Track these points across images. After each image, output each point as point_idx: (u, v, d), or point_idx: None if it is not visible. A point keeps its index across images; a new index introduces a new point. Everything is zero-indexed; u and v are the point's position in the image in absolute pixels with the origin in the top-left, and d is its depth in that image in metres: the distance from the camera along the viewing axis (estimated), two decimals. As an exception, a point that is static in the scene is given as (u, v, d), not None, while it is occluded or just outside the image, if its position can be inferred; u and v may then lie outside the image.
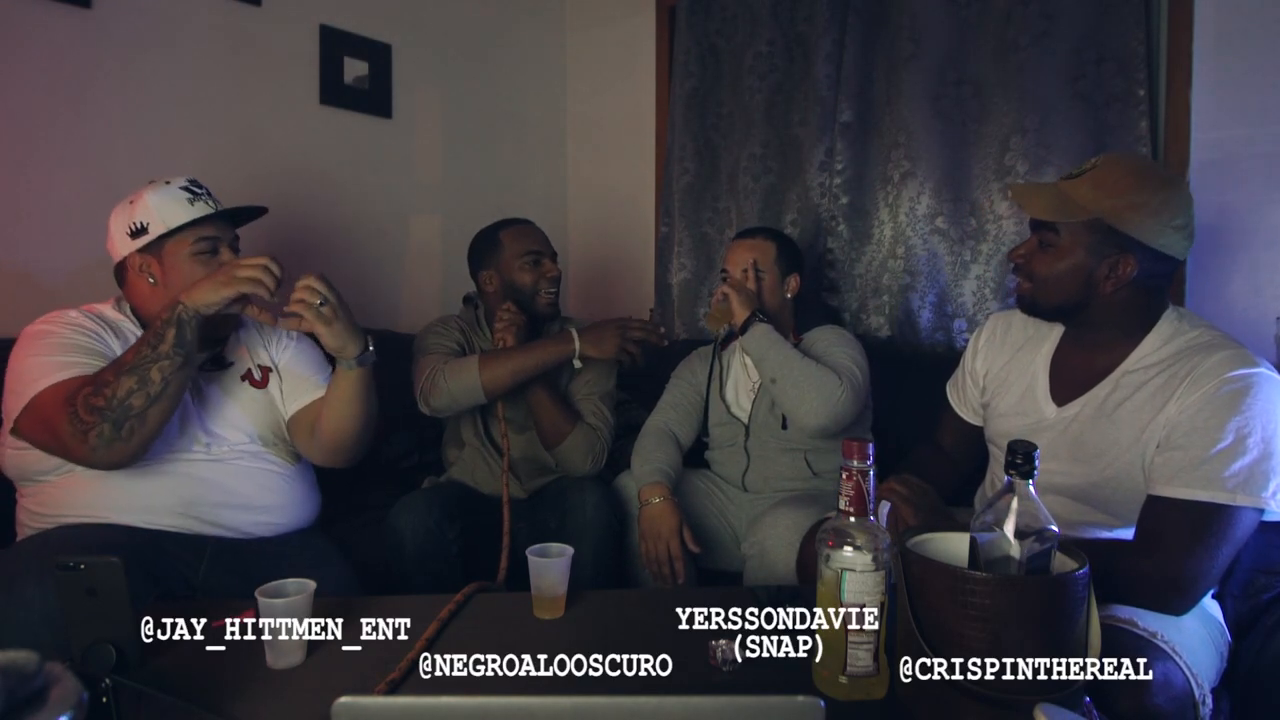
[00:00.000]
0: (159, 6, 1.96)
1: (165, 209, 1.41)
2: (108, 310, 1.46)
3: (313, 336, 1.45)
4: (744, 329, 1.74)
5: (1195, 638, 1.15)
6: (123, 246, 1.43)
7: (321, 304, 1.35)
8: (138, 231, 1.41)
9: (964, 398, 1.53)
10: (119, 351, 1.37)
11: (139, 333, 1.44)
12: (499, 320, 1.85)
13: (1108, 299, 1.23)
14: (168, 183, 1.44)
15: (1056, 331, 1.37)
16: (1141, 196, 1.18)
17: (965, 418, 1.52)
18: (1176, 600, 1.12)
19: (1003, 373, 1.43)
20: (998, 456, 1.44)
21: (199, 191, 1.45)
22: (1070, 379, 1.32)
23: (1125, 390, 1.23)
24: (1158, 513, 1.14)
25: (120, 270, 1.46)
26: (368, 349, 1.43)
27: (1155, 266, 1.21)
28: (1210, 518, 1.10)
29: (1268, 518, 1.14)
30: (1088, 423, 1.26)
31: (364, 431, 1.51)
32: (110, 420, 1.22)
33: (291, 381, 1.58)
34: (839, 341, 1.80)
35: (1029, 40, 2.00)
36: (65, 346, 1.33)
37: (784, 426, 1.79)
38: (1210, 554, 1.10)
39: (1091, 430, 1.25)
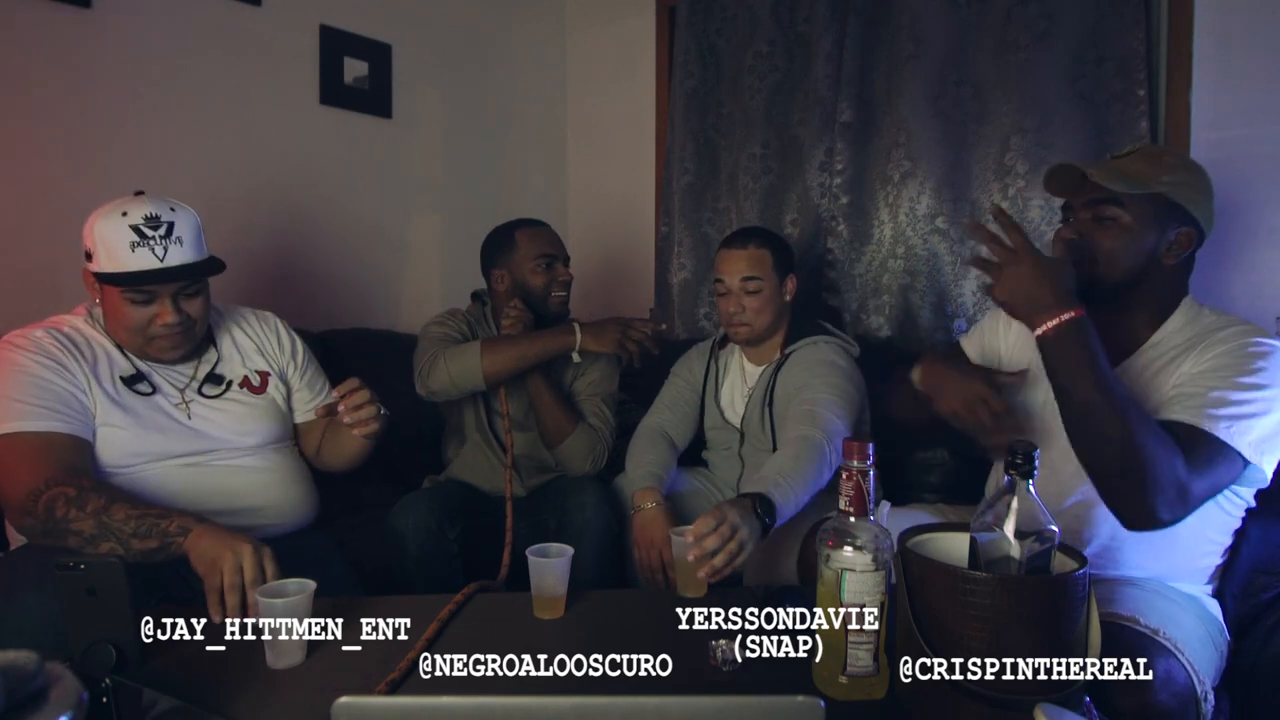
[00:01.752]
0: (159, 6, 1.96)
1: (109, 249, 1.33)
2: (80, 323, 1.43)
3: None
4: (765, 534, 1.33)
5: (1195, 634, 1.15)
6: (84, 259, 1.38)
7: (382, 412, 1.40)
8: (88, 254, 1.36)
9: (977, 347, 1.49)
10: (88, 381, 1.35)
11: (111, 348, 1.42)
12: (505, 317, 1.85)
13: (1161, 274, 1.25)
14: (124, 214, 1.33)
15: None
16: (1190, 174, 1.24)
17: (972, 357, 1.48)
18: (1161, 511, 1.08)
19: (1031, 352, 1.37)
20: None
21: (149, 234, 1.33)
22: None
23: (1139, 370, 1.25)
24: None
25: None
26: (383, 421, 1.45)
27: (1198, 243, 1.25)
28: (1198, 441, 1.10)
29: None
30: None
31: (365, 461, 1.64)
32: (46, 530, 1.21)
33: (300, 395, 1.65)
34: (820, 373, 1.66)
35: (1029, 40, 2.01)
36: (31, 386, 1.30)
37: (774, 448, 1.75)
38: (1196, 471, 1.09)
39: None
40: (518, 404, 1.89)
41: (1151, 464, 1.07)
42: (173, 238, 1.35)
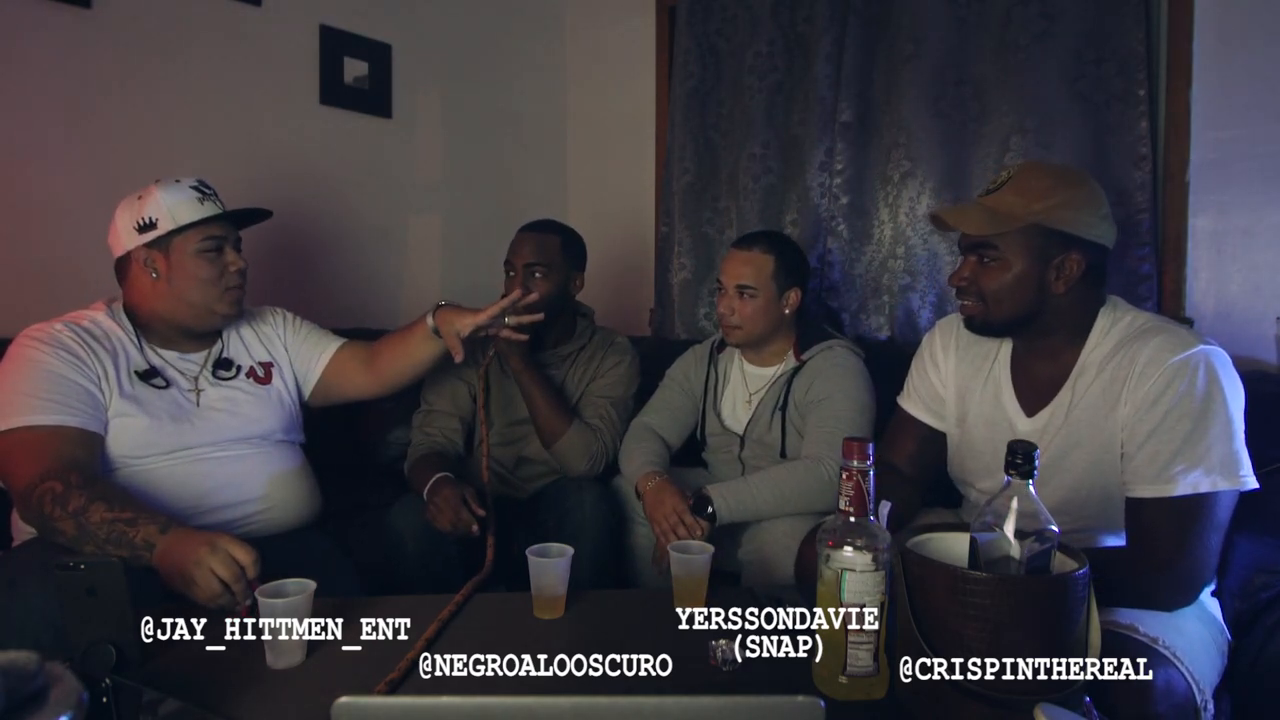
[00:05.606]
0: (159, 6, 1.96)
1: (176, 206, 1.44)
2: (100, 317, 1.45)
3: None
4: (713, 521, 1.58)
5: (1197, 641, 1.14)
6: (129, 240, 1.44)
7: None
8: (146, 226, 1.43)
9: (921, 401, 1.47)
10: (104, 373, 1.37)
11: (128, 342, 1.44)
12: None
13: (1060, 300, 1.23)
14: (178, 181, 1.47)
15: (1006, 341, 1.36)
16: (1068, 194, 1.19)
17: (928, 421, 1.47)
18: (1182, 598, 1.14)
19: (966, 380, 1.40)
20: (974, 499, 1.43)
21: (208, 192, 1.49)
22: (1033, 388, 1.31)
23: (1080, 393, 1.24)
24: (1143, 514, 1.14)
25: (122, 264, 1.47)
26: None
27: (1095, 259, 1.22)
28: (1193, 510, 1.11)
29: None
30: (1057, 432, 1.25)
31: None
32: (37, 523, 1.24)
33: (306, 351, 1.68)
34: (843, 384, 1.69)
35: (1029, 40, 2.00)
36: (44, 381, 1.31)
37: (783, 455, 1.75)
38: (1203, 544, 1.11)
39: (1060, 438, 1.25)
40: (518, 407, 1.88)
41: (1133, 599, 1.12)
42: (219, 198, 1.51)
